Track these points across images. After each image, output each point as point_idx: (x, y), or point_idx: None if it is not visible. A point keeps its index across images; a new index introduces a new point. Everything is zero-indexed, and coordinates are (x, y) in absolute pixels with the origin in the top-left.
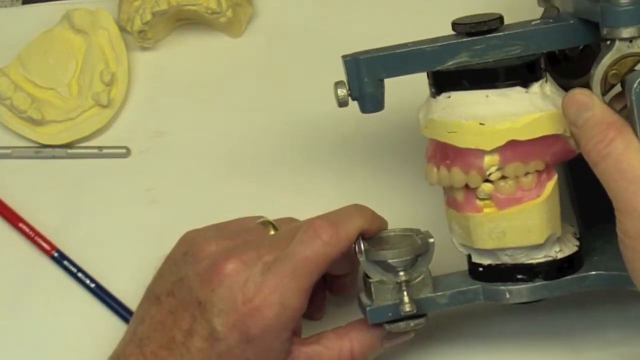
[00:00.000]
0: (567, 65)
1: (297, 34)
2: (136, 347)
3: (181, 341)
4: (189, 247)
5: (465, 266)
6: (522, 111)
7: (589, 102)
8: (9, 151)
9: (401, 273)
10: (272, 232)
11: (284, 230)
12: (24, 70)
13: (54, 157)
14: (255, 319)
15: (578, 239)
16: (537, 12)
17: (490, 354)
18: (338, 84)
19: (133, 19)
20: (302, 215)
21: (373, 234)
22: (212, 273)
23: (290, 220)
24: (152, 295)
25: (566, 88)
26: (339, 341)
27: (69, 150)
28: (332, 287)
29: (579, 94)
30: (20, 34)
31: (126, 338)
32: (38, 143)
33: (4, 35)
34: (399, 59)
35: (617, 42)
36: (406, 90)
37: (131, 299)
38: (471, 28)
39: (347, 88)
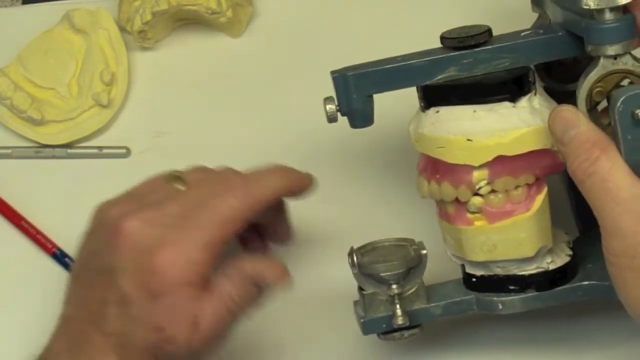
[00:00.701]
0: (561, 70)
1: (297, 34)
2: (62, 327)
3: (99, 311)
4: (98, 217)
5: (460, 274)
6: (510, 126)
7: (574, 120)
8: (9, 151)
9: (394, 286)
10: (181, 187)
11: (191, 188)
12: (24, 70)
13: (54, 157)
14: (158, 275)
15: (571, 249)
16: (531, 18)
17: None
18: (327, 100)
19: (133, 19)
20: (301, 215)
21: (296, 194)
22: (114, 236)
23: (204, 170)
24: (72, 274)
25: (560, 92)
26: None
27: (69, 150)
28: (268, 237)
29: (564, 110)
30: (20, 34)
31: (57, 322)
32: (38, 143)
33: (4, 35)
34: (387, 75)
35: (601, 59)
36: (401, 98)
37: None
38: (459, 42)
39: (336, 103)
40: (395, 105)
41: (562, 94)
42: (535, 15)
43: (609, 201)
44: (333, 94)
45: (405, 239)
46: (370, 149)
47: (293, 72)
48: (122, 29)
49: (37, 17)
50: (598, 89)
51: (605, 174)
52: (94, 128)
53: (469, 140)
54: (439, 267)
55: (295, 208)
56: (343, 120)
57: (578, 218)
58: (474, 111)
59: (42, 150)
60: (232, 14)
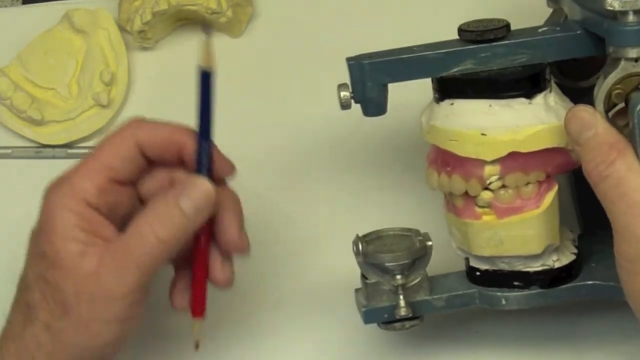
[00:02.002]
0: (574, 67)
1: (298, 34)
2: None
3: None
4: None
5: (463, 266)
6: (524, 123)
7: (592, 121)
8: (9, 151)
9: (398, 277)
10: None
11: None
12: (24, 70)
13: (54, 157)
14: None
15: (576, 247)
16: (543, 13)
17: (488, 356)
18: (341, 87)
19: (133, 19)
20: (302, 215)
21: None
22: None
23: None
24: None
25: (573, 89)
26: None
27: (69, 150)
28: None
29: (582, 111)
30: (20, 34)
31: None
32: (38, 143)
33: (4, 35)
34: (403, 65)
35: (622, 61)
36: (411, 89)
37: None
38: (477, 36)
39: (350, 91)
40: (407, 94)
41: (575, 91)
42: (544, 13)
43: (623, 205)
44: (334, 92)
45: (410, 229)
46: (378, 137)
47: (293, 72)
48: (122, 29)
49: (37, 17)
50: (617, 91)
51: (621, 177)
52: (94, 128)
53: (483, 134)
54: (443, 257)
55: (301, 197)
56: (346, 117)
57: (580, 214)
58: (490, 106)
59: (42, 150)
60: (232, 14)
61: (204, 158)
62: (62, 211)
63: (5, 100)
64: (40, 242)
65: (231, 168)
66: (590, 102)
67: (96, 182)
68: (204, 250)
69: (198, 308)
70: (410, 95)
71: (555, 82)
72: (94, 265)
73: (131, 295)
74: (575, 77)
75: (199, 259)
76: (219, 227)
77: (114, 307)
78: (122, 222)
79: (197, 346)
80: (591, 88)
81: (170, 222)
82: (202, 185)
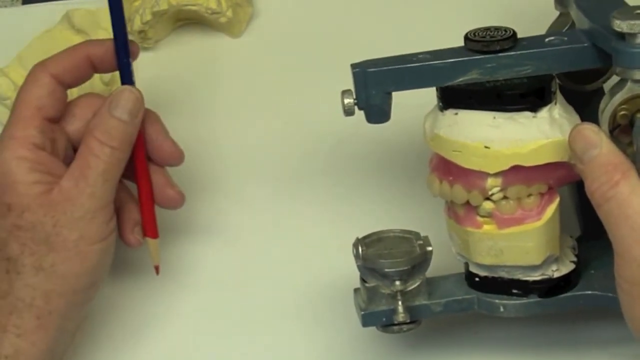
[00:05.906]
0: (581, 71)
1: (297, 34)
2: None
3: None
4: None
5: (462, 267)
6: (528, 137)
7: (596, 140)
8: None
9: (397, 282)
10: None
11: None
12: (24, 70)
13: None
14: None
15: (576, 255)
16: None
17: (488, 358)
18: (345, 93)
19: (133, 19)
20: (302, 217)
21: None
22: None
23: None
24: None
25: (579, 92)
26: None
27: None
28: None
29: (587, 129)
30: (20, 34)
31: None
32: None
33: (4, 35)
34: (408, 74)
35: (629, 82)
36: (415, 91)
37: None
38: (483, 47)
39: (354, 97)
40: (411, 96)
41: (580, 94)
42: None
43: (625, 227)
44: (334, 92)
45: (410, 232)
46: (380, 138)
47: (293, 72)
48: None
49: (37, 17)
50: (623, 112)
51: (624, 199)
52: None
53: (486, 147)
54: (443, 258)
55: (301, 198)
56: (346, 118)
57: (581, 218)
58: (494, 118)
59: None
60: (232, 14)
61: (127, 72)
62: (15, 162)
63: (5, 100)
64: (3, 197)
65: (179, 158)
66: (596, 106)
67: (35, 124)
68: (143, 164)
69: (151, 228)
70: (413, 97)
71: (561, 85)
72: (63, 193)
73: (106, 208)
74: (581, 80)
75: (141, 177)
76: (150, 143)
77: (94, 225)
78: (63, 160)
79: (157, 271)
80: (597, 92)
81: (115, 131)
82: (128, 92)
